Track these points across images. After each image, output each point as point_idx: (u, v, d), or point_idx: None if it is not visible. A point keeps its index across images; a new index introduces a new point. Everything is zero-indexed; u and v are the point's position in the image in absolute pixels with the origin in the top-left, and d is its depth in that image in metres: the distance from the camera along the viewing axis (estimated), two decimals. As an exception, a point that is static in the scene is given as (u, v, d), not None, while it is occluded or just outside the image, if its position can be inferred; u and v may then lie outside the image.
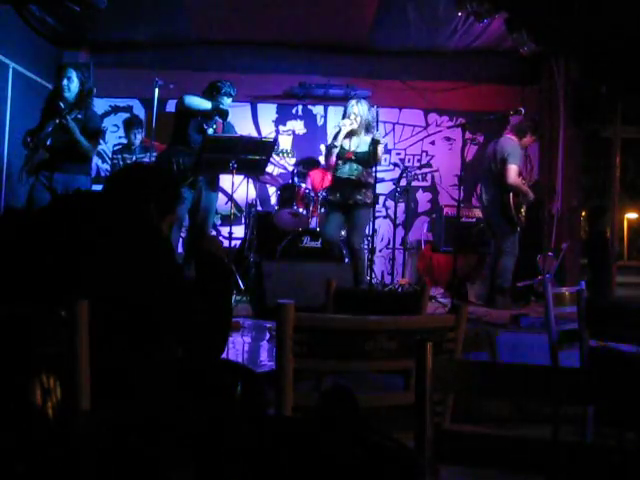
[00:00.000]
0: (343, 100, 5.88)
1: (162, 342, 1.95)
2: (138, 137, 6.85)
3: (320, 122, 7.74)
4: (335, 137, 5.43)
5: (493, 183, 5.62)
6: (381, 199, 6.91)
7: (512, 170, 5.49)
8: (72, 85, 5.06)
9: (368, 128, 5.44)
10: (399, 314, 2.15)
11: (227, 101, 5.23)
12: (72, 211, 2.01)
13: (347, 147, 5.42)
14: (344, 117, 5.45)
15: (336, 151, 5.39)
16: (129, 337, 1.86)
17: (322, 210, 6.29)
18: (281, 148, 6.47)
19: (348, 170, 5.41)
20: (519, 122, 5.70)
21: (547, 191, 7.35)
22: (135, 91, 7.47)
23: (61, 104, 4.97)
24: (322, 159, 5.78)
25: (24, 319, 1.73)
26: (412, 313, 2.54)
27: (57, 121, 4.93)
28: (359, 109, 5.42)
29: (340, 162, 5.42)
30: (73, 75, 5.08)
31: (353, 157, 5.41)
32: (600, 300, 5.28)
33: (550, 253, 6.58)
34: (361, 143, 5.42)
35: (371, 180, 5.47)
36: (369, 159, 5.41)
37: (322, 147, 5.47)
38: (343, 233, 5.76)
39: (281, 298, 1.93)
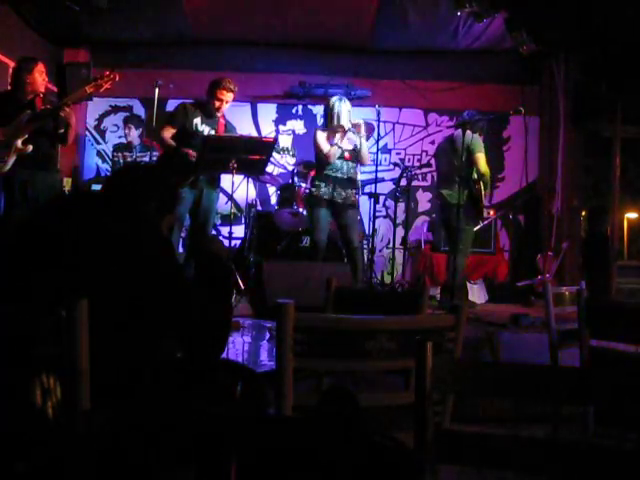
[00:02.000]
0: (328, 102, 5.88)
1: (162, 342, 1.95)
2: (133, 133, 6.96)
3: (320, 122, 7.71)
4: (339, 138, 5.43)
5: (458, 176, 5.43)
6: (381, 199, 6.91)
7: (482, 158, 5.43)
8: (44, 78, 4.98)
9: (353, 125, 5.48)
10: (399, 314, 2.15)
11: (227, 96, 5.18)
12: (72, 211, 2.01)
13: (344, 147, 5.43)
14: (333, 117, 5.42)
15: (340, 152, 5.39)
16: (129, 337, 1.86)
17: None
18: (281, 146, 6.45)
19: (346, 170, 5.45)
20: (471, 118, 5.61)
21: (547, 191, 7.35)
22: (135, 91, 7.47)
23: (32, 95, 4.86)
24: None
25: (24, 319, 1.73)
26: (412, 313, 2.54)
27: (44, 112, 4.82)
28: (347, 105, 5.45)
29: (338, 162, 5.43)
30: (41, 67, 4.97)
31: (347, 155, 5.44)
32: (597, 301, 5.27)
33: (550, 253, 6.58)
34: (349, 140, 5.46)
35: (357, 178, 5.55)
36: (358, 155, 5.48)
37: (329, 149, 5.39)
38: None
39: (281, 298, 1.93)
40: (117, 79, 4.91)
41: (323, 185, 5.43)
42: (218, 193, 5.52)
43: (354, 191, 5.52)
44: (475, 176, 5.48)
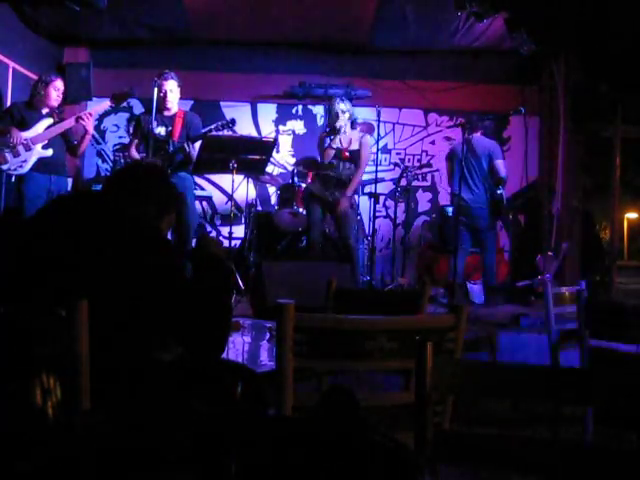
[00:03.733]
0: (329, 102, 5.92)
1: (162, 342, 1.95)
2: None
3: (320, 122, 7.72)
4: (334, 138, 5.48)
5: (482, 179, 5.79)
6: (381, 199, 6.91)
7: (502, 164, 5.83)
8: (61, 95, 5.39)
9: (353, 124, 5.57)
10: (399, 314, 2.15)
11: (168, 84, 5.17)
12: (72, 211, 2.01)
13: (341, 146, 5.47)
14: (335, 117, 5.49)
15: (334, 152, 5.44)
16: (129, 337, 1.86)
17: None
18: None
19: (340, 169, 5.48)
20: (485, 123, 5.96)
21: (547, 191, 7.35)
22: (135, 91, 7.46)
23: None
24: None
25: (24, 319, 1.73)
26: (412, 313, 2.53)
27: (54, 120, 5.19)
28: (345, 106, 5.50)
29: (335, 161, 5.47)
30: (60, 84, 5.36)
31: (348, 154, 5.46)
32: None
33: (550, 253, 6.57)
34: (352, 141, 5.49)
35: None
36: (357, 158, 5.55)
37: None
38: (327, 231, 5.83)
39: (281, 298, 1.93)
40: (136, 95, 5.49)
41: (317, 183, 5.51)
42: (191, 189, 5.43)
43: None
44: (493, 181, 5.83)
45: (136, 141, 5.33)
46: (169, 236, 5.55)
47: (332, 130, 5.52)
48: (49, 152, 5.15)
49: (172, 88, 5.21)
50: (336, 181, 5.48)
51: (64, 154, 5.35)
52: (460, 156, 5.81)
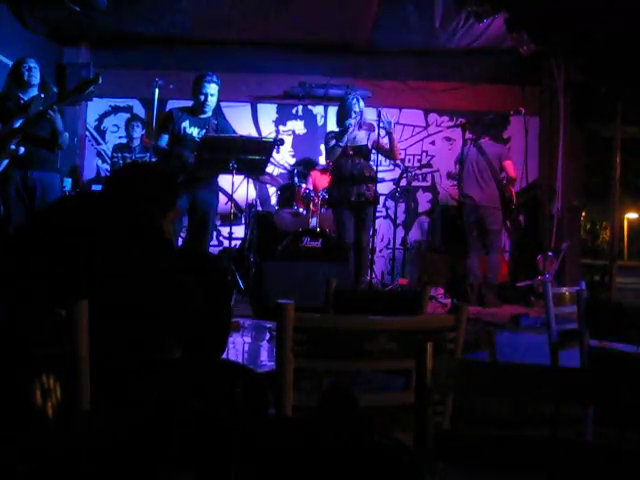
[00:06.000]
0: (343, 100, 5.91)
1: (163, 342, 1.95)
2: (137, 130, 6.90)
3: (320, 122, 7.73)
4: (341, 136, 5.49)
5: (494, 180, 5.98)
6: (381, 199, 6.91)
7: (512, 165, 6.11)
8: (37, 75, 5.05)
9: (361, 125, 5.59)
10: (399, 314, 2.15)
11: (211, 88, 5.07)
12: (73, 211, 2.01)
13: (345, 144, 5.48)
14: (347, 115, 5.50)
15: (340, 150, 5.45)
16: (129, 337, 1.86)
17: (322, 210, 6.26)
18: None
19: (350, 167, 5.48)
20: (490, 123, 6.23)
21: (547, 191, 7.35)
22: (135, 91, 7.46)
23: (32, 96, 4.99)
24: (323, 159, 5.84)
25: (24, 319, 1.73)
26: (412, 313, 2.53)
27: (32, 114, 4.87)
28: (360, 106, 5.52)
29: (341, 160, 5.49)
30: (33, 64, 5.06)
31: (351, 152, 5.47)
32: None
33: (550, 253, 6.58)
34: (357, 138, 5.50)
35: (372, 174, 5.56)
36: (367, 153, 5.57)
37: (322, 147, 5.52)
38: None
39: (281, 298, 1.93)
40: (100, 82, 4.91)
41: (336, 186, 5.53)
42: (216, 194, 5.40)
43: (370, 185, 5.54)
44: (504, 181, 6.08)
45: (165, 136, 5.11)
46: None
47: (341, 129, 5.54)
48: (19, 150, 4.85)
49: (214, 92, 5.08)
50: (351, 179, 5.49)
51: (46, 149, 5.01)
52: (472, 158, 5.93)
